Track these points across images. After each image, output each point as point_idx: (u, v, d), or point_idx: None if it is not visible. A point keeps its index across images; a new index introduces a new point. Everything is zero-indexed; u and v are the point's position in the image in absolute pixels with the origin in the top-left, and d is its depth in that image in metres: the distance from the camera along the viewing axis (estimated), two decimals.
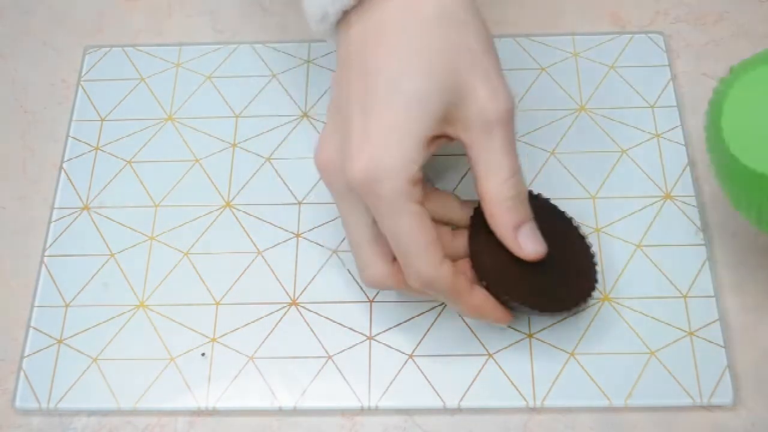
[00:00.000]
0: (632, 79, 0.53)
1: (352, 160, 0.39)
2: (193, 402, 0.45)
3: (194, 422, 0.45)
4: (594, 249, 0.46)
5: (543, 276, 0.44)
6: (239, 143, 0.52)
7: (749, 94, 0.39)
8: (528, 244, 0.41)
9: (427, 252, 0.39)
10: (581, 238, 0.46)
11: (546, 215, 0.45)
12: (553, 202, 0.46)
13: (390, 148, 0.38)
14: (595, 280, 0.45)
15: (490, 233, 0.46)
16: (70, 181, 0.52)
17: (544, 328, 0.46)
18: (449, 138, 0.41)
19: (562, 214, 0.46)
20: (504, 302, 0.44)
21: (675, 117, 0.51)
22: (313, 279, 0.48)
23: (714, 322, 0.45)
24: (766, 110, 0.38)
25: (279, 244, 0.49)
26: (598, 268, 0.45)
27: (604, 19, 0.56)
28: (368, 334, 0.46)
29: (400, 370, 0.45)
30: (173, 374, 0.46)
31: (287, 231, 0.49)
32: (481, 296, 0.42)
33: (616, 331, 0.45)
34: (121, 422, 0.45)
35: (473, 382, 0.45)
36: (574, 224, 0.46)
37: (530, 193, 0.47)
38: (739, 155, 0.38)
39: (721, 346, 0.45)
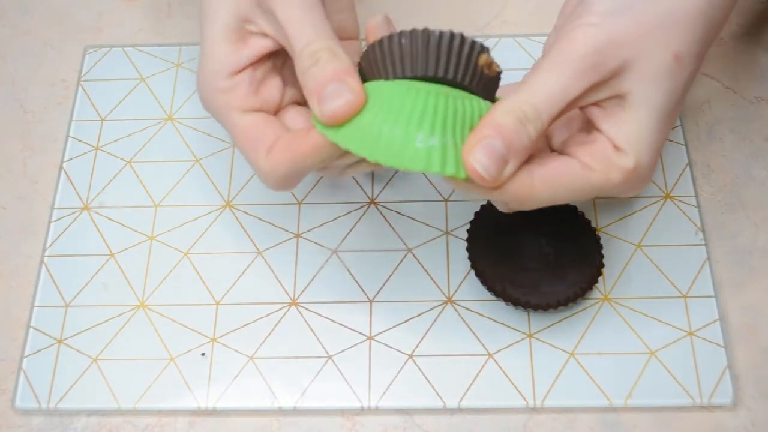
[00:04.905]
0: None
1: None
2: (193, 402, 0.45)
3: (194, 422, 0.45)
4: (603, 249, 0.46)
5: (542, 273, 0.45)
6: None
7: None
8: (324, 106, 0.37)
9: (250, 152, 0.39)
10: (592, 237, 0.46)
11: (552, 212, 0.45)
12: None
13: (202, 65, 0.40)
14: (594, 281, 0.45)
15: (488, 233, 0.46)
16: (70, 181, 0.52)
17: (544, 328, 0.46)
18: (264, 36, 0.40)
19: (573, 211, 0.47)
20: (502, 298, 0.45)
21: None
22: (313, 279, 0.48)
23: (714, 322, 0.45)
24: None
25: (279, 244, 0.49)
26: (603, 269, 0.46)
27: None
28: (368, 334, 0.46)
29: (400, 370, 0.45)
30: (173, 374, 0.46)
31: (287, 231, 0.49)
32: (313, 138, 0.38)
33: (616, 331, 0.45)
34: (121, 422, 0.45)
35: (473, 382, 0.45)
36: (585, 221, 0.46)
37: None
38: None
39: (721, 346, 0.45)
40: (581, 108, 0.38)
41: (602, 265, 0.45)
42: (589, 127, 0.39)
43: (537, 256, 0.45)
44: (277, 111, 0.42)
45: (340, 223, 0.49)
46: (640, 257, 0.47)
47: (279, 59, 0.42)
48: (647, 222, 0.48)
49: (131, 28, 0.58)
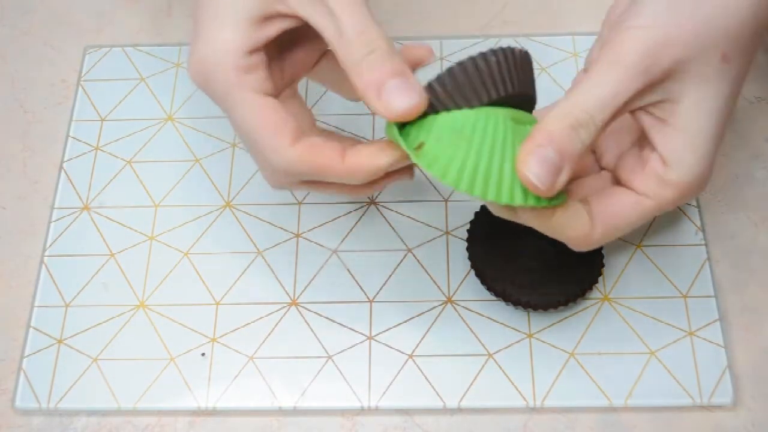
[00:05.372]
0: None
1: (188, 64, 0.38)
2: (193, 402, 0.45)
3: (194, 422, 0.45)
4: (603, 248, 0.46)
5: (542, 273, 0.45)
6: (239, 143, 0.52)
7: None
8: (391, 101, 0.35)
9: (272, 137, 0.37)
10: None
11: None
12: None
13: (211, 40, 0.37)
14: (594, 281, 0.45)
15: (488, 233, 0.46)
16: (70, 181, 0.52)
17: (544, 328, 0.46)
18: (287, 16, 0.38)
19: None
20: (502, 298, 0.45)
21: None
22: (313, 279, 0.48)
23: (714, 322, 0.45)
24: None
25: (279, 244, 0.49)
26: (603, 269, 0.45)
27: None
28: (368, 334, 0.46)
29: (400, 370, 0.45)
30: (173, 374, 0.46)
31: (287, 231, 0.49)
32: (356, 158, 0.37)
33: (616, 331, 0.45)
34: (121, 422, 0.45)
35: (473, 382, 0.45)
36: None
37: None
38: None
39: (721, 346, 0.45)
40: (632, 112, 0.38)
41: (602, 265, 0.45)
42: (641, 140, 0.39)
43: (537, 256, 0.45)
44: None
45: (340, 223, 0.49)
46: (640, 257, 0.47)
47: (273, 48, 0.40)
48: (647, 222, 0.48)
49: (131, 28, 0.58)
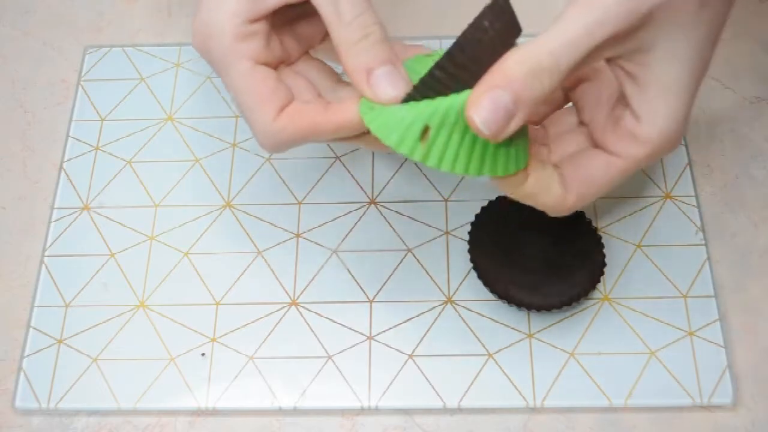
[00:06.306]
0: None
1: (192, 28, 0.39)
2: (193, 402, 0.45)
3: (194, 422, 0.45)
4: (605, 251, 0.46)
5: (543, 274, 0.45)
6: (239, 143, 0.52)
7: None
8: (379, 88, 0.36)
9: (258, 107, 0.38)
10: (593, 237, 0.46)
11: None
12: None
13: (215, 6, 0.38)
14: (596, 281, 0.45)
15: (489, 233, 0.46)
16: (70, 181, 0.52)
17: (544, 328, 0.46)
18: None
19: (580, 215, 0.46)
20: (504, 299, 0.44)
21: None
22: (313, 279, 0.48)
23: (714, 322, 0.45)
24: None
25: (279, 244, 0.49)
26: (604, 269, 0.45)
27: None
28: (368, 334, 0.46)
29: (400, 370, 0.45)
30: (173, 374, 0.46)
31: (287, 231, 0.49)
32: (340, 113, 0.37)
33: (616, 331, 0.45)
34: (121, 422, 0.45)
35: (473, 382, 0.45)
36: (586, 221, 0.46)
37: None
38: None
39: (721, 346, 0.45)
40: (608, 62, 0.36)
41: (604, 265, 0.45)
42: (618, 96, 0.37)
43: (538, 256, 0.45)
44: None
45: (340, 223, 0.49)
46: (640, 257, 0.47)
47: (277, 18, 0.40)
48: (647, 222, 0.48)
49: (131, 28, 0.58)
